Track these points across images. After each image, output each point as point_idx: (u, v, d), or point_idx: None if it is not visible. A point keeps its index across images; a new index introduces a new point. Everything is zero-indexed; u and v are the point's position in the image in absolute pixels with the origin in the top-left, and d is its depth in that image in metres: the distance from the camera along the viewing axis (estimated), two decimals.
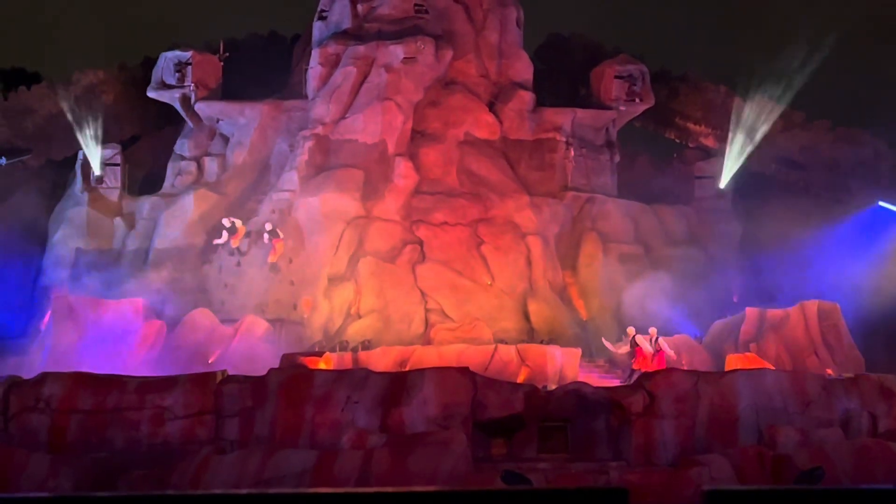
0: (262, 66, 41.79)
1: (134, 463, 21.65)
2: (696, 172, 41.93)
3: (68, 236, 38.65)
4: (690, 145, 44.56)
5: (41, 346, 32.55)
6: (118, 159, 39.91)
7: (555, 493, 4.06)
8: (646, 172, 44.26)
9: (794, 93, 39.02)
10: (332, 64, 38.88)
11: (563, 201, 38.98)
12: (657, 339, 30.38)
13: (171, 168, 40.39)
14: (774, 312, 33.38)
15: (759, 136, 39.75)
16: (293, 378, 23.81)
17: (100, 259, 37.88)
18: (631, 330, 30.93)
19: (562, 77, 43.84)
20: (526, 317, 36.18)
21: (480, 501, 4.07)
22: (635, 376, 28.42)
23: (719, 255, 39.55)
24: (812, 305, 33.17)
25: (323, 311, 35.02)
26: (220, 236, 36.43)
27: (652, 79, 41.77)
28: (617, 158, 41.68)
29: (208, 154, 40.17)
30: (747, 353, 31.78)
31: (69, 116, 38.61)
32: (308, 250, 36.04)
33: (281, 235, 35.86)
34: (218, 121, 40.48)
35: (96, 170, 39.25)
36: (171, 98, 40.51)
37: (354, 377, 23.76)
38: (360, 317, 35.27)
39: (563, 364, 31.05)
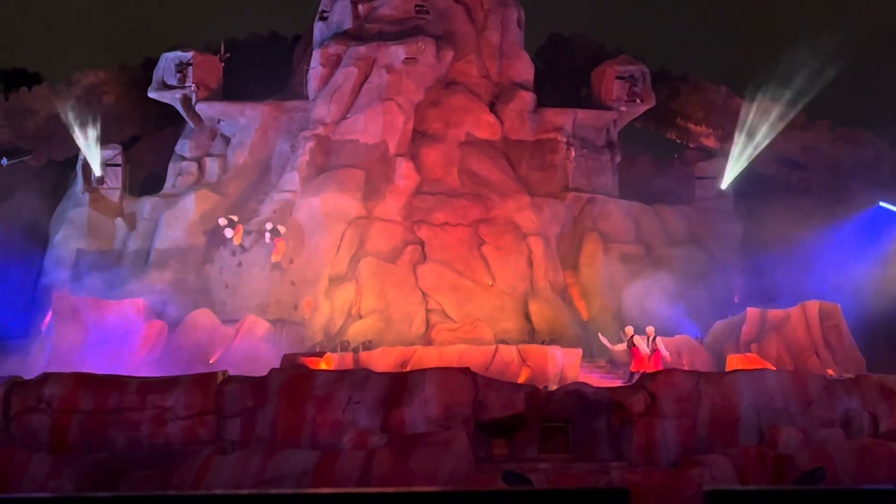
0: (263, 67, 41.80)
1: (135, 463, 21.65)
2: (697, 173, 41.97)
3: (69, 237, 38.67)
4: (691, 146, 44.58)
5: (42, 346, 32.56)
6: (119, 160, 39.95)
7: (556, 493, 4.07)
8: (647, 173, 44.29)
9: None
10: (333, 64, 38.90)
11: (564, 202, 39.01)
12: (654, 338, 30.39)
13: (171, 168, 40.42)
14: (775, 313, 33.38)
15: (765, 138, 39.71)
16: (294, 378, 23.81)
17: (101, 259, 37.90)
18: (629, 329, 30.91)
19: (563, 77, 43.85)
20: (527, 317, 36.19)
21: (481, 502, 4.08)
22: (636, 377, 28.42)
23: (720, 255, 39.58)
24: (813, 306, 33.17)
25: (324, 312, 35.03)
26: (223, 235, 36.44)
27: (653, 79, 41.81)
28: (618, 159, 41.70)
29: (209, 154, 40.19)
30: (748, 354, 31.78)
31: (68, 117, 38.58)
32: (309, 250, 36.06)
33: (283, 234, 35.86)
34: (219, 121, 40.50)
35: (96, 170, 39.27)
36: (172, 98, 40.53)
37: (355, 377, 23.75)
38: (361, 317, 35.28)
39: (564, 364, 31.05)
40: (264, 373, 24.23)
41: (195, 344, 32.10)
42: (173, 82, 40.26)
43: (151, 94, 40.64)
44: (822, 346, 32.57)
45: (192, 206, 38.17)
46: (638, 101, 41.33)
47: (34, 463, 21.18)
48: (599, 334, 32.27)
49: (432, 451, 20.67)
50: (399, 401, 22.75)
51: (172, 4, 70.24)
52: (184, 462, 21.19)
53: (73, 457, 21.79)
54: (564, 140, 39.85)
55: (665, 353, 30.19)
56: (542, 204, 38.21)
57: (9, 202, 38.90)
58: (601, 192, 40.26)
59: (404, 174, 37.36)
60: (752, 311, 33.81)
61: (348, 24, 39.63)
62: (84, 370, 25.21)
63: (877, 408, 23.94)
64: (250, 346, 31.93)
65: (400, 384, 23.21)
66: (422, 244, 36.89)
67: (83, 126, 38.69)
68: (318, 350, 31.46)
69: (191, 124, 40.99)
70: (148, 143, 43.59)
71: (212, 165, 39.80)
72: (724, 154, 43.27)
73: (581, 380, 27.24)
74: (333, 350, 31.59)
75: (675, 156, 44.42)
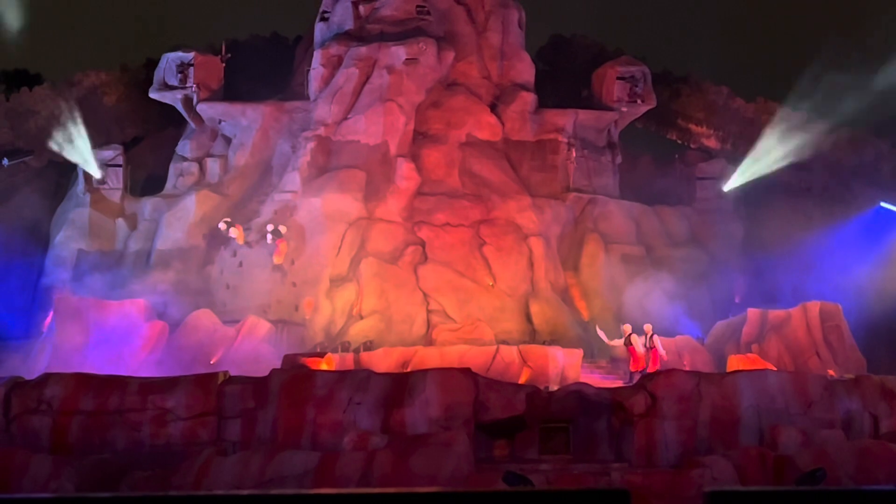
0: (264, 68, 41.81)
1: (136, 464, 21.66)
2: (698, 173, 41.96)
3: (70, 237, 38.66)
4: (692, 146, 44.58)
5: (43, 346, 32.56)
6: (120, 160, 39.93)
7: (556, 494, 4.07)
8: (648, 173, 44.29)
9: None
10: (334, 65, 38.91)
11: (565, 202, 39.02)
12: (652, 335, 30.44)
13: (172, 169, 40.42)
14: (776, 313, 33.38)
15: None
16: (295, 379, 23.82)
17: (102, 260, 37.89)
18: (627, 327, 30.96)
19: (564, 78, 43.85)
20: (528, 318, 36.19)
21: (482, 502, 4.08)
22: (636, 377, 28.45)
23: (721, 255, 39.57)
24: (814, 306, 33.17)
25: (325, 312, 35.04)
26: (224, 236, 36.45)
27: (654, 80, 41.80)
28: (619, 159, 41.71)
29: (210, 155, 40.18)
30: (749, 354, 31.78)
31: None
32: (310, 251, 36.05)
33: (284, 235, 35.85)
34: (220, 122, 40.51)
35: (95, 173, 39.17)
36: (174, 99, 40.54)
37: (356, 378, 23.76)
38: (361, 318, 35.28)
39: (564, 365, 31.05)
40: (265, 373, 24.25)
41: (196, 345, 32.11)
42: (174, 83, 40.26)
43: (152, 95, 40.64)
44: (822, 347, 32.56)
45: (192, 207, 38.17)
46: (639, 101, 41.32)
47: (35, 463, 21.19)
48: (597, 327, 32.28)
49: (433, 451, 20.67)
50: (400, 401, 22.76)
51: (174, 5, 70.24)
52: (184, 463, 21.20)
53: (74, 457, 21.80)
54: (565, 141, 39.85)
55: (662, 351, 30.25)
56: (543, 205, 38.22)
57: (10, 202, 38.92)
58: (602, 192, 40.27)
59: (405, 175, 37.37)
60: (752, 312, 33.81)
61: (349, 25, 39.64)
62: (85, 371, 25.23)
63: (877, 408, 23.95)
64: (251, 347, 31.93)
65: (401, 385, 23.22)
66: (423, 245, 36.89)
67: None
68: (318, 351, 31.45)
69: (192, 125, 41.00)
70: (149, 144, 43.59)
71: (213, 166, 39.81)
72: (725, 155, 43.29)
73: (582, 380, 27.25)
74: (334, 351, 31.59)
75: (676, 157, 44.40)
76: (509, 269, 36.71)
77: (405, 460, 20.43)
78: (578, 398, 23.18)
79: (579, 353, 31.96)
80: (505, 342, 33.19)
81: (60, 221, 39.34)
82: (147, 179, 42.03)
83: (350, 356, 31.12)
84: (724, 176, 41.50)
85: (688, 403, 23.19)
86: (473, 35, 40.40)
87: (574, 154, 39.88)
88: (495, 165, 39.00)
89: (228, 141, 40.25)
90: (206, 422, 23.13)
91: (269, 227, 35.95)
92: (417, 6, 39.24)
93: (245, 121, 39.82)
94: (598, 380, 29.69)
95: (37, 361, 31.17)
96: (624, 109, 41.26)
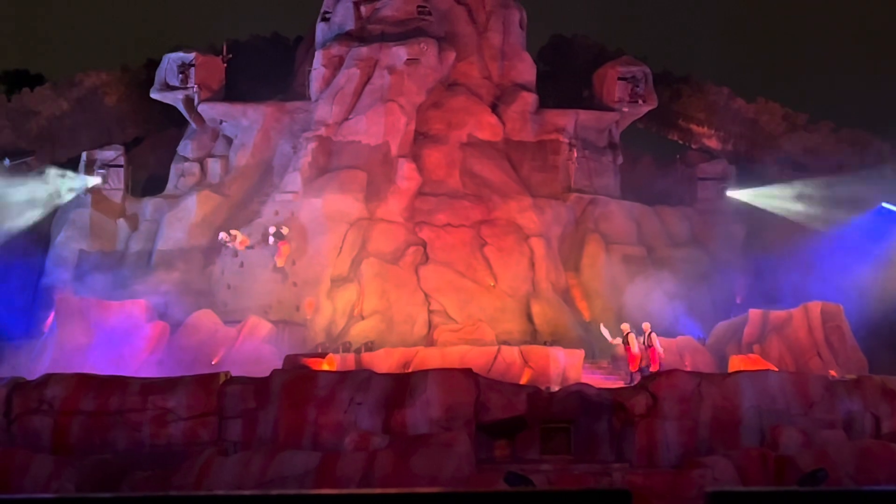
0: (266, 68, 41.79)
1: (137, 464, 21.67)
2: (699, 174, 41.93)
3: (71, 238, 38.65)
4: (693, 147, 44.57)
5: (44, 347, 32.56)
6: (121, 161, 39.92)
7: (557, 494, 4.06)
8: (649, 174, 44.28)
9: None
10: (336, 66, 38.90)
11: (566, 203, 39.00)
12: (650, 333, 30.48)
13: (174, 169, 40.42)
14: (778, 314, 33.36)
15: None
16: (296, 379, 23.82)
17: (103, 260, 37.89)
18: (625, 326, 31.00)
19: (565, 78, 43.83)
20: (529, 318, 36.18)
21: (483, 503, 4.08)
22: (636, 377, 28.47)
23: (722, 256, 39.55)
24: (815, 307, 33.15)
25: (326, 313, 35.04)
26: (226, 245, 36.44)
27: (655, 80, 41.78)
28: (620, 160, 41.69)
29: (211, 155, 40.18)
30: (750, 355, 31.76)
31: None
32: (311, 252, 36.05)
33: (286, 237, 35.83)
34: (221, 122, 40.50)
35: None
36: (175, 99, 40.54)
37: (357, 378, 23.76)
38: (363, 318, 35.28)
39: (565, 365, 31.04)
40: (266, 374, 24.25)
41: (197, 345, 32.10)
42: (176, 83, 40.25)
43: (154, 95, 40.64)
44: (824, 348, 32.55)
45: (194, 207, 38.18)
46: (640, 102, 41.30)
47: (36, 464, 21.20)
48: (601, 326, 32.28)
49: (434, 452, 20.67)
50: (401, 402, 22.76)
51: (175, 5, 70.28)
52: (185, 463, 21.20)
53: (75, 458, 21.81)
54: (566, 141, 39.84)
55: (660, 349, 30.27)
56: (544, 205, 38.20)
57: (11, 203, 38.88)
58: (603, 193, 40.25)
59: (406, 175, 37.36)
60: (754, 313, 33.80)
61: (350, 26, 39.63)
62: (86, 371, 25.23)
63: (879, 409, 23.94)
64: (252, 348, 31.93)
65: (402, 385, 23.22)
66: (424, 245, 36.89)
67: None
68: (320, 351, 31.44)
69: (193, 125, 41.00)
70: (150, 144, 43.60)
71: (214, 166, 39.81)
72: (726, 155, 43.29)
73: (583, 381, 27.23)
74: (335, 351, 31.58)
75: (677, 157, 44.38)
76: (510, 270, 36.70)
77: (406, 461, 20.43)
78: (579, 399, 23.18)
79: (580, 353, 31.96)
80: (506, 343, 33.19)
81: (61, 222, 39.33)
82: (148, 180, 42.04)
83: (351, 356, 31.11)
84: (726, 176, 41.48)
85: (689, 404, 23.18)
86: (474, 35, 40.39)
87: (575, 154, 39.86)
88: (496, 166, 38.99)
89: (229, 141, 40.25)
90: (207, 422, 23.13)
91: (272, 229, 35.93)
92: (418, 6, 39.23)
93: (246, 121, 39.82)
94: (599, 380, 29.67)
95: (38, 362, 31.16)
96: (625, 110, 41.24)
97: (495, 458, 22.69)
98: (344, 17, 39.93)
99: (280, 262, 35.80)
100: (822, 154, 41.54)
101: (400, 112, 37.82)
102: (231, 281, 36.20)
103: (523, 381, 29.09)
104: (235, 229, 36.35)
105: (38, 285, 37.85)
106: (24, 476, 20.87)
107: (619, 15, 68.49)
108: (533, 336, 35.19)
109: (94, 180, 39.12)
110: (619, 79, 41.19)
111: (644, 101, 41.35)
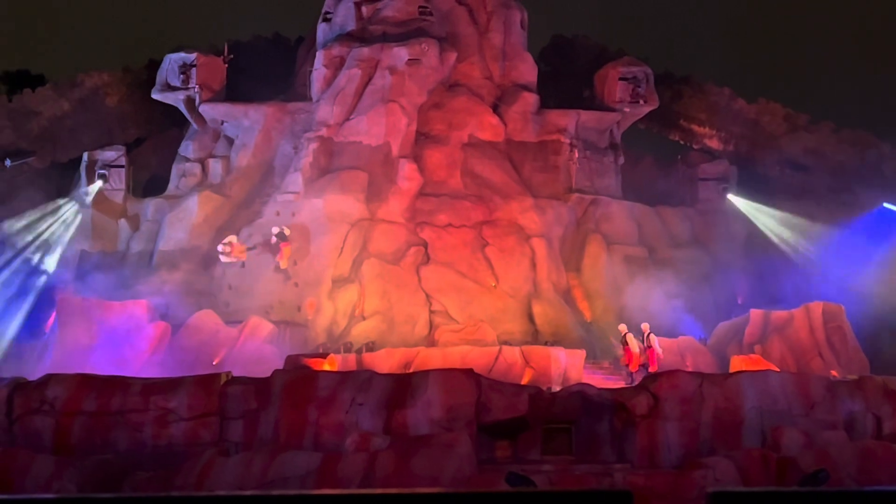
0: (267, 69, 41.81)
1: (138, 465, 21.66)
2: (700, 174, 41.94)
3: (73, 238, 38.67)
4: (694, 147, 44.58)
5: (46, 347, 32.58)
6: (122, 161, 39.94)
7: (559, 495, 4.06)
8: (650, 174, 44.29)
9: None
10: (337, 66, 38.90)
11: (568, 203, 39.00)
12: (649, 334, 30.50)
13: (175, 170, 40.44)
14: (779, 314, 33.36)
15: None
16: (297, 380, 23.82)
17: (104, 261, 37.92)
18: (623, 327, 31.16)
19: (566, 79, 43.84)
20: (530, 318, 36.18)
21: (484, 503, 4.07)
22: (637, 377, 28.50)
23: (723, 256, 39.56)
24: (817, 307, 33.15)
25: (327, 313, 35.04)
26: (226, 236, 36.43)
27: (656, 81, 41.79)
28: (621, 160, 41.70)
29: (212, 156, 40.21)
30: (752, 355, 31.77)
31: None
32: (312, 252, 36.05)
33: (289, 238, 35.82)
34: (222, 123, 40.51)
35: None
36: (176, 100, 40.55)
37: (358, 379, 23.75)
38: (364, 318, 35.28)
39: (567, 366, 31.06)
40: (268, 374, 24.24)
41: (198, 345, 32.11)
42: (177, 84, 40.26)
43: (155, 96, 40.66)
44: (825, 348, 32.54)
45: (195, 208, 38.19)
46: (641, 102, 41.30)
47: (37, 464, 21.20)
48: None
49: (435, 452, 20.67)
50: (402, 402, 22.76)
51: (176, 6, 70.32)
52: (186, 463, 21.20)
53: (76, 458, 21.80)
54: (567, 141, 39.84)
55: (659, 350, 30.31)
56: (546, 205, 38.20)
57: (12, 203, 38.93)
58: (604, 193, 40.26)
59: (407, 176, 37.36)
60: (755, 313, 33.80)
61: (352, 26, 39.63)
62: (88, 371, 25.23)
63: (880, 409, 23.92)
64: (254, 348, 31.94)
65: (403, 386, 23.22)
66: (425, 246, 36.90)
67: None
68: (321, 351, 31.44)
69: (194, 126, 41.01)
70: (151, 145, 43.62)
71: (215, 167, 39.83)
72: (727, 156, 43.29)
73: (584, 381, 27.23)
74: (337, 351, 31.59)
75: (679, 157, 44.39)
76: (512, 270, 36.70)
77: (407, 461, 20.42)
78: (581, 399, 23.17)
79: (582, 353, 31.98)
80: (507, 343, 33.20)
81: (63, 222, 39.32)
82: (149, 180, 42.06)
83: (352, 357, 31.12)
84: (727, 177, 41.50)
85: (690, 404, 23.17)
86: (475, 36, 40.39)
87: (576, 155, 39.86)
88: (497, 166, 38.99)
89: (231, 142, 40.28)
90: (209, 422, 23.13)
91: (275, 230, 35.93)
92: (419, 7, 39.23)
93: (247, 121, 39.83)
94: (600, 380, 29.68)
95: (39, 362, 31.17)
96: (626, 110, 41.25)
97: (496, 458, 22.68)
98: (345, 17, 39.94)
99: (282, 264, 35.82)
100: (823, 154, 41.56)
101: (401, 112, 37.83)
102: (232, 281, 36.22)
103: (524, 381, 29.10)
104: (232, 236, 36.24)
105: (40, 285, 37.86)
106: (25, 476, 20.87)
107: (621, 15, 68.52)
108: (534, 336, 35.19)
109: (95, 188, 39.16)
110: (621, 79, 41.20)
111: (645, 102, 41.36)
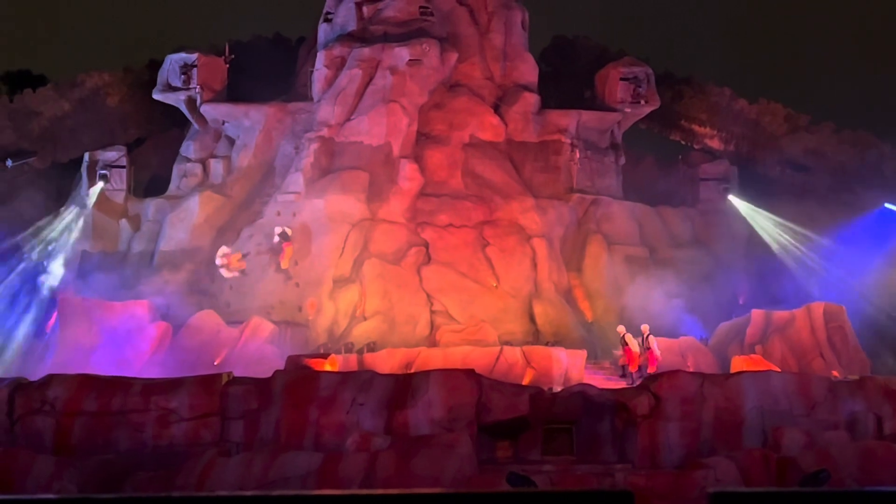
0: (268, 69, 41.79)
1: (139, 465, 21.66)
2: (701, 174, 41.94)
3: (74, 238, 38.67)
4: (695, 147, 44.57)
5: (47, 347, 32.59)
6: (123, 161, 39.94)
7: (559, 495, 4.06)
8: (651, 174, 44.28)
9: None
10: (338, 66, 38.89)
11: (568, 203, 38.99)
12: (648, 335, 30.49)
13: (176, 170, 40.44)
14: (780, 314, 33.35)
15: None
16: (298, 380, 23.82)
17: (105, 261, 37.92)
18: (621, 328, 31.23)
19: (567, 79, 43.83)
20: (531, 318, 36.18)
21: (485, 503, 4.07)
22: (637, 376, 28.51)
23: (725, 257, 39.54)
24: (818, 307, 33.15)
25: (328, 313, 35.04)
26: (227, 237, 36.42)
27: (657, 81, 41.77)
28: (622, 160, 41.70)
29: (213, 156, 40.21)
30: (753, 355, 31.77)
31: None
32: (313, 252, 36.05)
33: (291, 239, 35.82)
34: (223, 123, 40.52)
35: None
36: (177, 100, 40.55)
37: (359, 379, 23.75)
38: (365, 319, 35.27)
39: (568, 366, 31.05)
40: (269, 374, 24.25)
41: (200, 345, 32.12)
42: (178, 84, 40.26)
43: (156, 96, 40.66)
44: (826, 348, 32.53)
45: (196, 208, 38.20)
46: (642, 102, 41.29)
47: (38, 464, 21.20)
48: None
49: (436, 453, 20.66)
50: (403, 403, 22.76)
51: (177, 6, 70.33)
52: (187, 463, 21.20)
53: (77, 458, 21.81)
54: (568, 142, 39.83)
55: (657, 351, 30.32)
56: (546, 206, 38.19)
57: (13, 203, 38.94)
58: (605, 193, 40.25)
59: (408, 176, 37.36)
60: (756, 313, 33.79)
61: (353, 26, 39.62)
62: (89, 371, 25.24)
63: (881, 409, 23.91)
64: (255, 348, 31.94)
65: (404, 386, 23.22)
66: (426, 246, 36.89)
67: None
68: (322, 352, 31.44)
69: (195, 126, 41.01)
70: (152, 145, 43.62)
71: (216, 167, 39.83)
72: (728, 156, 43.27)
73: (585, 381, 27.25)
74: (337, 352, 31.59)
75: (679, 157, 44.39)
76: (513, 270, 36.69)
77: (408, 461, 20.42)
78: (582, 399, 23.17)
79: (583, 353, 31.98)
80: (508, 343, 33.19)
81: (63, 222, 39.33)
82: (150, 181, 42.05)
83: (353, 357, 31.12)
84: (728, 177, 41.49)
85: (691, 405, 23.17)
86: (476, 36, 40.38)
87: (577, 155, 39.86)
88: (498, 166, 38.99)
89: (232, 142, 40.28)
90: (210, 423, 23.14)
91: (278, 230, 35.95)
92: (420, 7, 39.22)
93: (248, 122, 39.83)
94: (601, 381, 29.67)
95: (40, 362, 31.18)
96: (627, 110, 41.25)
97: (497, 458, 22.68)
98: (346, 17, 39.92)
99: (284, 264, 35.82)
100: (824, 155, 41.55)
101: (402, 113, 37.82)
102: (233, 282, 36.22)
103: (525, 381, 29.09)
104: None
105: (42, 287, 37.88)
106: (26, 476, 20.88)
107: (621, 16, 68.52)
108: (535, 336, 35.18)
109: (96, 189, 39.17)
110: (622, 79, 41.19)
111: (646, 102, 41.35)
